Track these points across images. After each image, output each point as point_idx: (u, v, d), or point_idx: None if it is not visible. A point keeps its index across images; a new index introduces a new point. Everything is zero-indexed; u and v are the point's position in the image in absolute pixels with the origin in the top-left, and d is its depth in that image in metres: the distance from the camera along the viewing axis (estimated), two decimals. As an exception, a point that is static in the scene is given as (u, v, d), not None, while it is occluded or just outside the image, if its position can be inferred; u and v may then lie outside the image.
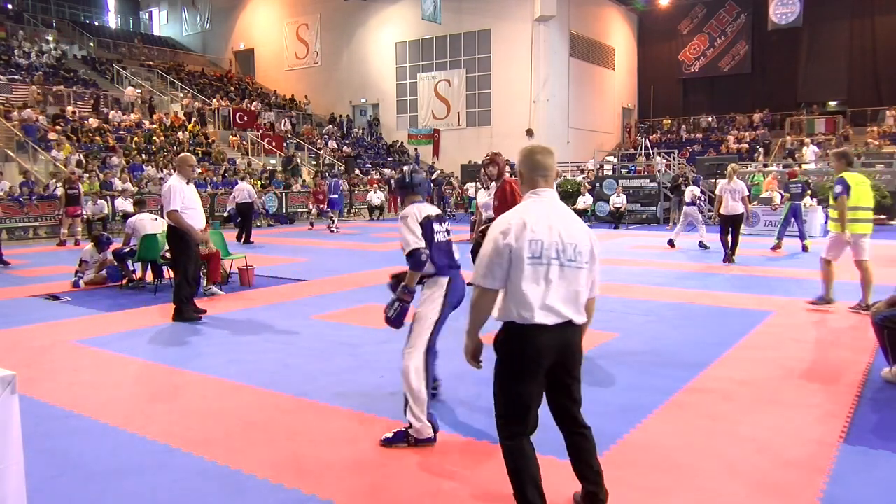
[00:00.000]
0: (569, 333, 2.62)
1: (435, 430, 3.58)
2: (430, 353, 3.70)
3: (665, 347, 5.57)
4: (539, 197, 2.68)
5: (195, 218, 6.78)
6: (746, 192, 10.77)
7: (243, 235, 14.90)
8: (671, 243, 12.91)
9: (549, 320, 2.56)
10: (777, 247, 12.36)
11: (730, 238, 10.58)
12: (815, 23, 29.28)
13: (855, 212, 7.05)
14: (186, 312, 6.76)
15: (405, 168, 4.11)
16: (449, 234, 3.86)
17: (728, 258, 10.52)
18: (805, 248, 12.15)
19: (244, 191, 15.51)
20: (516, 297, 2.58)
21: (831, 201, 7.18)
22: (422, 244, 3.57)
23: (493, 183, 6.22)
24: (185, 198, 6.61)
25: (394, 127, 33.15)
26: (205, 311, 7.07)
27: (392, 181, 25.58)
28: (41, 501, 2.97)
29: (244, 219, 15.14)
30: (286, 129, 30.08)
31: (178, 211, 6.55)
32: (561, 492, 3.06)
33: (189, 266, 6.80)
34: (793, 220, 12.76)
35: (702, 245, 12.75)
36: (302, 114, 33.28)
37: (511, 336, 2.65)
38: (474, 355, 2.82)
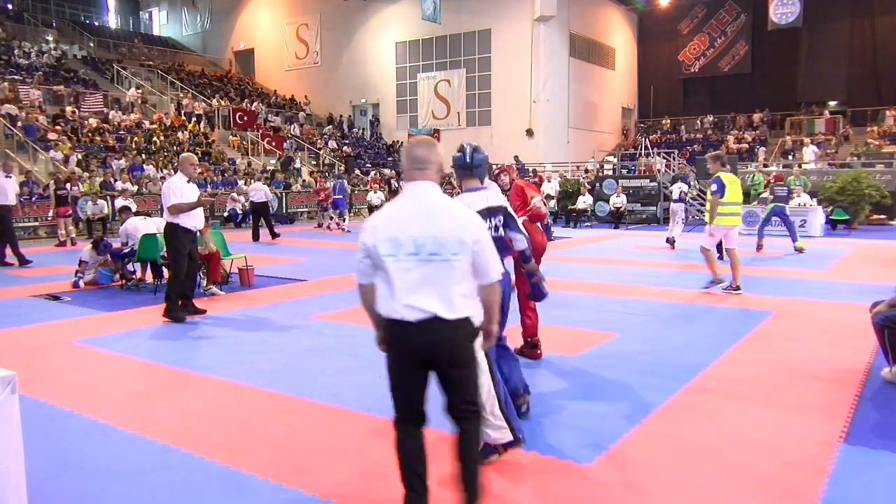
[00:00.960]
0: (436, 328, 2.54)
1: (516, 436, 3.28)
2: (498, 363, 3.46)
3: (665, 347, 5.57)
4: (409, 191, 2.66)
5: (193, 216, 6.79)
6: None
7: (259, 233, 15.63)
8: (671, 242, 12.91)
9: (411, 316, 2.53)
10: (759, 247, 12.36)
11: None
12: (815, 23, 29.28)
13: (727, 207, 7.87)
14: (174, 311, 6.76)
15: (465, 145, 3.74)
16: (498, 229, 3.66)
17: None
18: (799, 250, 11.94)
19: (260, 190, 16.09)
20: (381, 292, 2.62)
21: (708, 196, 8.11)
22: None
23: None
24: (182, 195, 6.66)
25: (394, 127, 33.16)
26: (204, 311, 7.08)
27: (391, 181, 25.60)
28: (41, 501, 2.97)
29: (263, 216, 15.85)
30: (295, 134, 30.07)
31: (174, 204, 6.61)
32: (560, 493, 3.06)
33: (181, 263, 6.78)
34: (774, 220, 12.83)
35: (669, 241, 12.87)
36: (303, 114, 33.29)
37: (384, 330, 2.67)
38: (378, 343, 2.80)
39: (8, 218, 11.45)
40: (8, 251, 11.44)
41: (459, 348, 2.62)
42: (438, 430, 3.72)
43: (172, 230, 6.71)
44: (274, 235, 15.78)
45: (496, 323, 2.83)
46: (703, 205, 18.00)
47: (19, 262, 11.32)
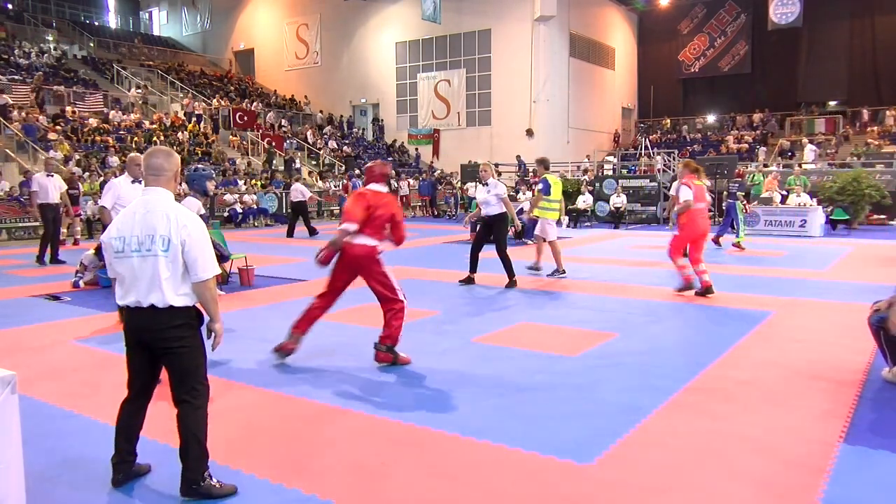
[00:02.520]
0: (150, 315, 2.95)
1: None
2: None
3: (665, 347, 5.57)
4: (140, 197, 3.06)
5: None
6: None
7: (295, 230, 16.61)
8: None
9: (131, 303, 2.98)
10: (735, 244, 12.72)
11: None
12: (815, 23, 29.28)
13: (551, 203, 9.54)
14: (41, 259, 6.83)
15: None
16: None
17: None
18: (737, 245, 12.49)
19: (297, 190, 16.92)
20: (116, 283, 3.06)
21: (535, 194, 9.83)
22: None
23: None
24: (119, 196, 6.70)
25: (394, 127, 33.16)
26: None
27: (391, 181, 25.59)
28: (41, 501, 2.97)
29: (302, 215, 16.86)
30: (316, 139, 30.02)
31: (107, 208, 6.68)
32: (560, 493, 3.06)
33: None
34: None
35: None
36: (319, 115, 33.33)
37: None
38: None
39: (50, 217, 11.42)
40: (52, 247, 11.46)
41: (169, 332, 2.99)
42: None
43: (105, 228, 6.76)
44: (312, 232, 16.47)
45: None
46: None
47: (51, 258, 11.35)
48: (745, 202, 13.53)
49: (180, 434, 3.01)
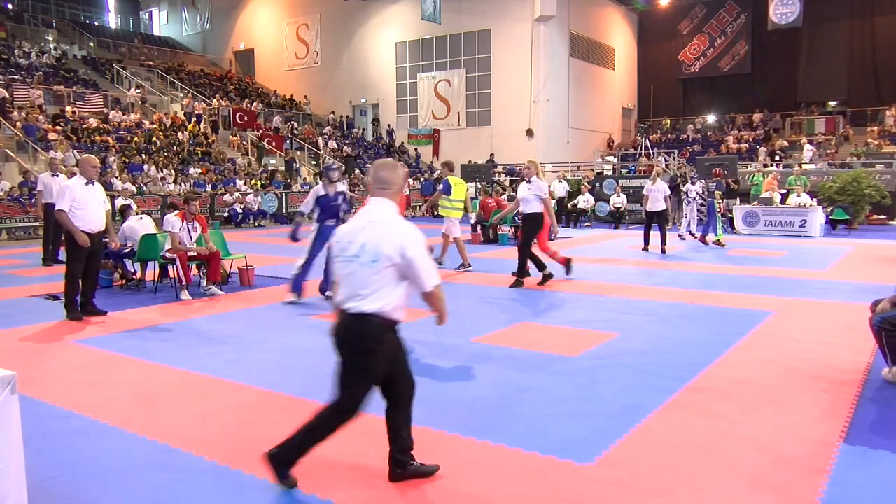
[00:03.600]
0: (350, 319, 3.03)
1: None
2: None
3: (665, 347, 5.57)
4: (367, 206, 3.13)
5: (85, 218, 6.70)
6: (668, 193, 12.54)
7: None
8: (685, 238, 13.91)
9: (339, 304, 3.10)
10: (715, 242, 13.23)
11: (660, 231, 12.21)
12: (815, 23, 29.27)
13: (453, 203, 10.17)
14: (73, 312, 6.76)
15: None
16: None
17: (646, 248, 12.37)
18: (717, 243, 13.07)
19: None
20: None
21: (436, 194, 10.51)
22: None
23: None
24: (74, 199, 6.63)
25: (394, 127, 33.15)
26: (105, 313, 6.99)
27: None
28: (41, 501, 2.97)
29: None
30: (332, 147, 30.03)
31: (64, 211, 6.60)
32: (561, 493, 3.06)
33: (75, 264, 6.74)
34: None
35: (682, 237, 14.27)
36: (332, 115, 33.39)
37: None
38: None
39: (52, 217, 11.37)
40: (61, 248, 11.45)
41: (356, 339, 3.05)
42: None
43: (69, 231, 6.70)
44: None
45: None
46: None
47: (52, 258, 11.28)
48: (720, 201, 14.34)
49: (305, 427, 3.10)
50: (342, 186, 7.92)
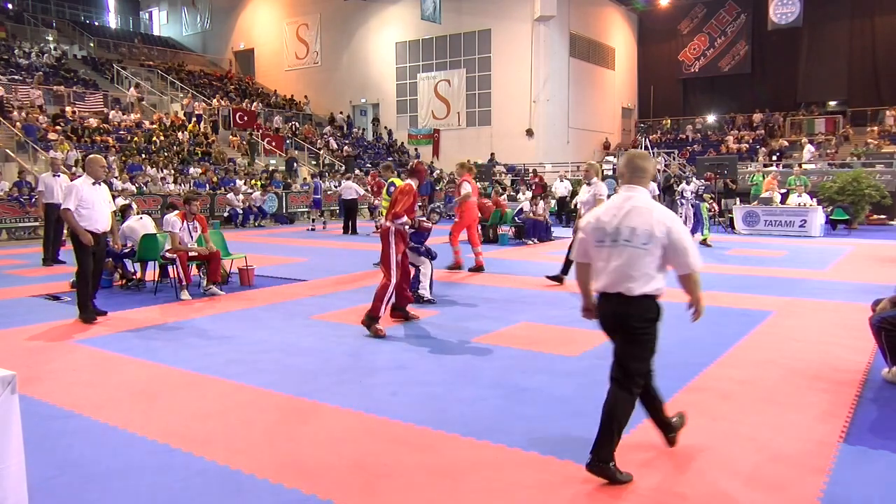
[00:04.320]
0: (618, 301, 3.15)
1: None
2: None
3: (665, 347, 5.51)
4: (622, 193, 3.25)
5: (92, 218, 6.69)
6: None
7: (349, 227, 17.26)
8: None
9: (602, 288, 3.20)
10: (701, 242, 13.45)
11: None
12: (815, 23, 29.27)
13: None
14: (86, 312, 6.71)
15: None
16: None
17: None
18: (703, 243, 13.25)
19: (351, 188, 17.65)
20: (595, 269, 3.24)
21: (384, 195, 10.49)
22: None
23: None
24: (81, 199, 6.62)
25: (394, 127, 33.16)
26: (105, 313, 6.96)
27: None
28: (41, 501, 2.97)
29: (350, 213, 17.46)
30: (334, 148, 30.03)
31: (70, 210, 6.59)
32: (561, 493, 3.06)
33: (84, 264, 6.70)
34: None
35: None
36: (341, 115, 33.41)
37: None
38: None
39: (53, 216, 11.32)
40: (64, 248, 11.44)
41: (629, 319, 3.17)
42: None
43: (74, 231, 6.69)
44: (354, 231, 17.01)
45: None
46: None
47: (52, 258, 11.30)
48: (710, 202, 14.86)
49: (604, 410, 3.15)
50: None
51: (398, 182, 10.45)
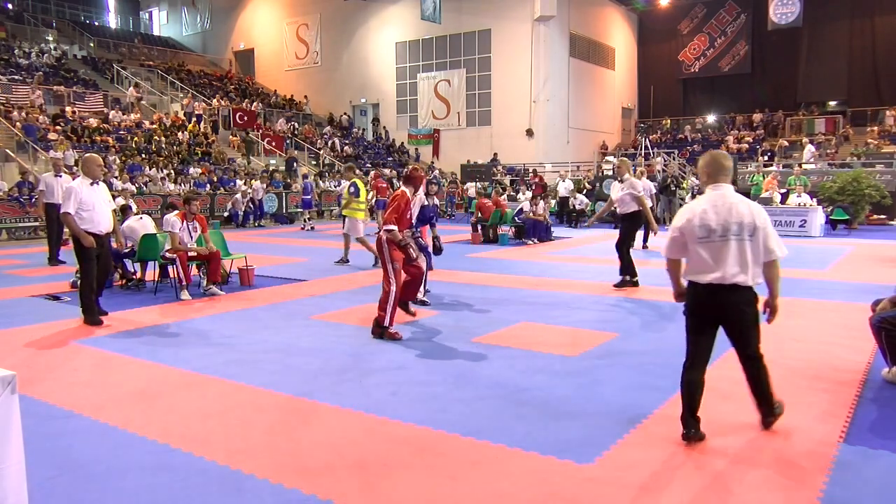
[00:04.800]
0: (730, 291, 3.46)
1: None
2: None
3: (665, 347, 5.56)
4: (715, 192, 3.53)
5: (93, 220, 6.57)
6: (641, 190, 12.39)
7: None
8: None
9: (713, 280, 3.46)
10: None
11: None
12: (815, 23, 29.27)
13: (360, 204, 10.81)
14: (91, 315, 6.60)
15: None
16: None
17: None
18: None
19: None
20: (695, 263, 3.52)
21: (346, 195, 10.96)
22: None
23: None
24: (81, 201, 6.50)
25: (394, 127, 33.17)
26: (105, 313, 6.90)
27: (392, 181, 25.62)
28: (41, 501, 2.97)
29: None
30: (341, 151, 30.00)
31: (70, 214, 6.45)
32: (561, 493, 3.06)
33: (88, 266, 6.60)
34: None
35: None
36: (345, 117, 33.46)
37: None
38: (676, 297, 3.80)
39: (55, 216, 11.29)
40: (65, 248, 11.42)
41: (739, 308, 3.53)
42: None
43: (62, 233, 6.58)
44: None
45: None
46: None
47: (55, 259, 11.27)
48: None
49: (753, 383, 3.68)
50: (429, 199, 7.97)
51: (360, 183, 10.88)
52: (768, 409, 3.67)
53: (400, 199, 6.16)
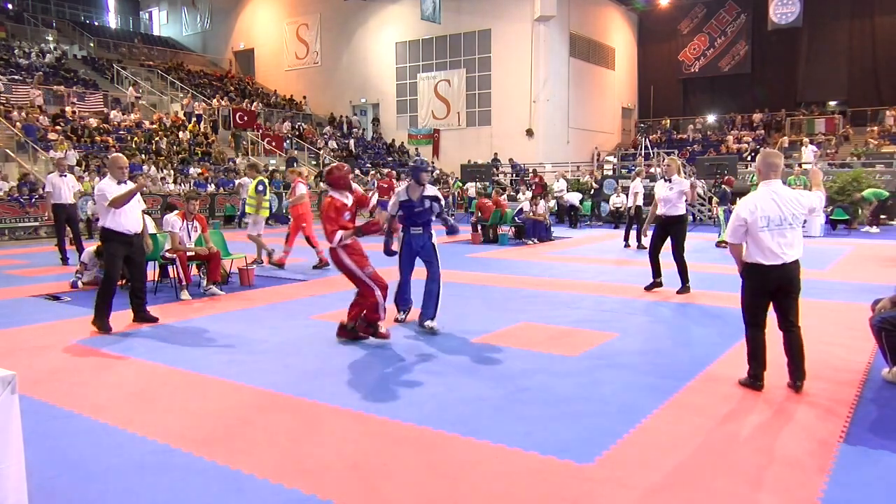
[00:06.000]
0: (789, 268, 4.27)
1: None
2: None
3: (665, 347, 5.57)
4: (768, 187, 4.31)
5: (128, 218, 6.50)
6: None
7: None
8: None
9: (775, 262, 4.24)
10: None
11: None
12: (814, 23, 29.25)
13: (266, 201, 11.07)
14: (101, 320, 6.39)
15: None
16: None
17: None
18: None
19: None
20: (758, 247, 4.28)
21: (253, 193, 11.10)
22: None
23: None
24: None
25: (394, 127, 33.16)
26: (156, 319, 6.76)
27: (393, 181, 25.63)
28: (41, 501, 2.97)
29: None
30: (332, 147, 29.97)
31: (114, 198, 6.32)
32: (561, 493, 3.06)
33: (113, 269, 6.52)
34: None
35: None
36: (302, 114, 33.33)
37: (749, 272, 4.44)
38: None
39: (63, 216, 11.28)
40: (69, 247, 11.38)
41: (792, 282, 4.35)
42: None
43: (107, 235, 6.48)
44: None
45: None
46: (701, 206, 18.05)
47: (64, 260, 11.24)
48: (715, 207, 15.10)
49: (791, 350, 4.34)
50: (431, 190, 6.41)
51: (265, 181, 11.15)
52: (801, 373, 4.30)
53: (328, 209, 5.65)
